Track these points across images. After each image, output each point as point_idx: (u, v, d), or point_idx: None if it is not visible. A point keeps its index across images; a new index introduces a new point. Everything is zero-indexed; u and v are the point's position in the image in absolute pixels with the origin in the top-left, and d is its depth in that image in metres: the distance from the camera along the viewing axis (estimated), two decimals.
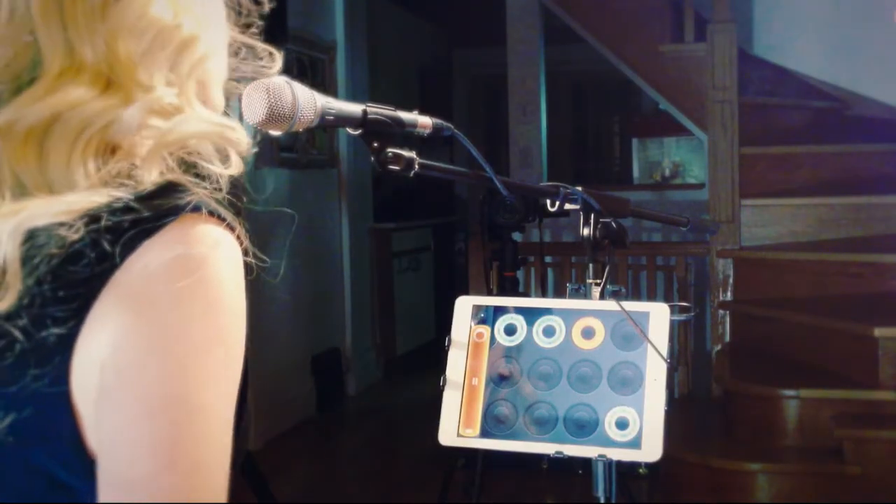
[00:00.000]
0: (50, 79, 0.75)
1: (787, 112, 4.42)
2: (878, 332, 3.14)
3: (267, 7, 0.91)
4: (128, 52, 0.77)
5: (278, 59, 0.93)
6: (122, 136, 0.76)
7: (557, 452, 1.14)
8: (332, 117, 0.97)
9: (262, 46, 0.91)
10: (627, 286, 4.15)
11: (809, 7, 4.63)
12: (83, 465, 0.72)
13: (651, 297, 4.30)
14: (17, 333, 0.72)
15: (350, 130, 1.02)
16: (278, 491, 3.20)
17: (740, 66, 3.97)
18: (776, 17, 4.71)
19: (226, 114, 0.89)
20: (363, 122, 1.01)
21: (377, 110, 1.02)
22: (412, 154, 1.03)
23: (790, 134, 4.29)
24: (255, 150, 0.86)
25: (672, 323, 1.17)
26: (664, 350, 1.14)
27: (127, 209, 0.73)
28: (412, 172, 1.03)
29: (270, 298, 4.43)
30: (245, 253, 0.79)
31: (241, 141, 0.83)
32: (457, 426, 1.18)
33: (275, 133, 0.94)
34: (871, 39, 4.41)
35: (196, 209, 0.75)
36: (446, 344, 1.21)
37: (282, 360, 4.60)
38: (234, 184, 0.84)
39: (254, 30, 0.91)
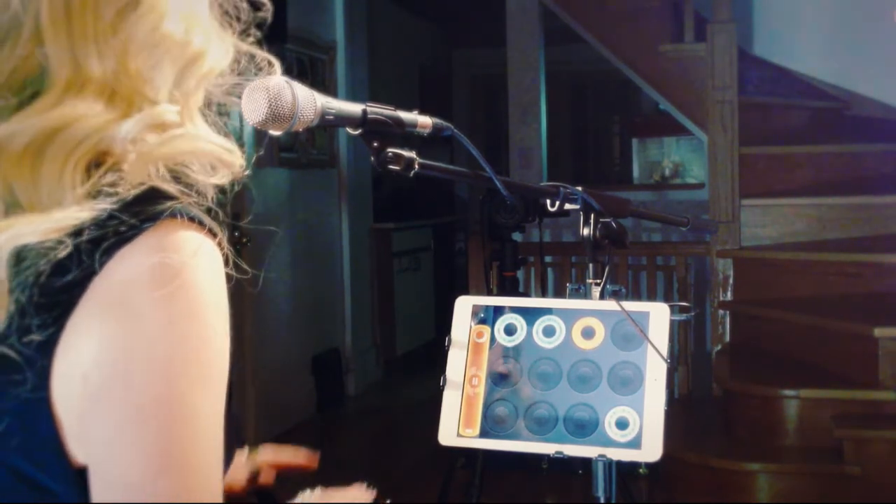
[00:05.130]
0: (57, 91, 0.75)
1: (787, 112, 4.41)
2: (878, 332, 3.14)
3: (269, 13, 0.91)
4: (137, 67, 0.77)
5: (277, 67, 0.93)
6: (114, 145, 0.76)
7: (557, 452, 1.14)
8: (332, 117, 0.97)
9: (262, 55, 0.91)
10: (627, 286, 4.15)
11: (809, 7, 4.63)
12: (64, 471, 0.72)
13: (651, 297, 4.29)
14: (6, 349, 0.72)
15: (350, 130, 1.02)
16: (278, 491, 3.19)
17: (740, 66, 3.97)
18: (776, 17, 4.71)
19: (224, 123, 0.88)
20: (363, 121, 1.00)
21: (377, 110, 1.02)
22: (412, 154, 1.03)
23: (790, 134, 4.29)
24: (246, 170, 0.86)
25: (672, 323, 1.17)
26: (664, 350, 1.14)
27: (110, 218, 0.73)
28: (412, 172, 1.03)
29: (271, 299, 4.43)
30: (226, 261, 0.78)
31: (236, 164, 0.83)
32: (457, 426, 1.18)
33: (275, 133, 0.94)
34: (871, 39, 4.41)
35: (174, 215, 0.75)
36: (446, 344, 1.21)
37: (282, 360, 4.60)
38: (220, 199, 0.84)
39: (251, 39, 0.91)
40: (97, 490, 0.71)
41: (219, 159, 0.81)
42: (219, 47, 0.84)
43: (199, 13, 0.81)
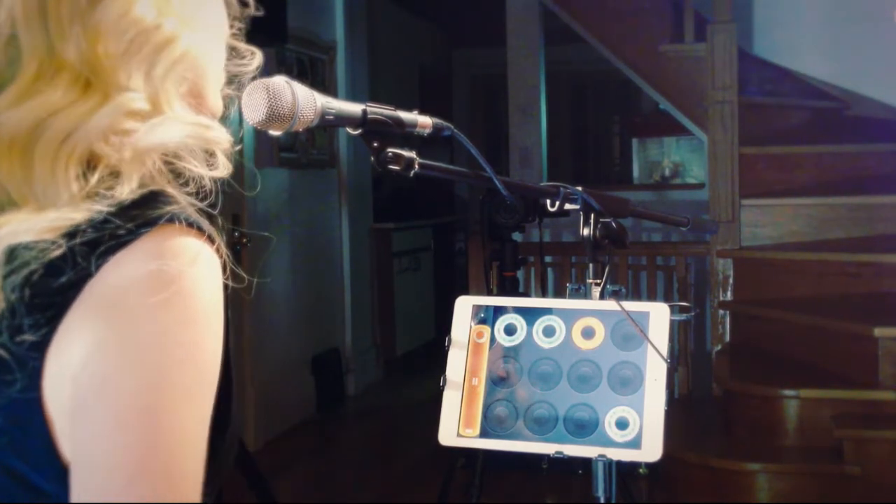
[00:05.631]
0: (27, 79, 0.74)
1: (787, 112, 4.42)
2: (877, 332, 3.14)
3: (253, 9, 0.91)
4: (107, 52, 0.76)
5: (258, 56, 0.92)
6: (100, 142, 0.75)
7: (557, 452, 1.14)
8: (331, 117, 0.97)
9: (244, 46, 0.91)
10: (627, 286, 4.15)
11: (809, 7, 4.63)
12: (56, 471, 0.72)
13: (651, 297, 4.29)
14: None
15: (350, 130, 1.02)
16: (278, 491, 3.20)
17: (740, 66, 3.97)
18: (776, 17, 4.71)
19: (224, 116, 0.88)
20: (363, 121, 1.01)
21: (377, 110, 1.02)
22: (412, 154, 1.03)
23: (790, 134, 4.29)
24: (238, 147, 0.85)
25: (672, 323, 1.17)
26: (664, 350, 1.14)
27: (105, 221, 0.72)
28: (412, 172, 1.03)
29: (270, 299, 4.43)
30: (224, 267, 0.78)
31: (221, 138, 0.82)
32: (457, 426, 1.18)
33: (275, 133, 0.94)
34: (871, 39, 4.41)
35: (172, 220, 0.74)
36: (446, 344, 1.21)
37: (282, 360, 4.60)
38: (219, 211, 0.83)
39: (235, 31, 0.90)
40: (75, 493, 0.70)
41: (202, 138, 0.80)
42: (205, 35, 0.83)
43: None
